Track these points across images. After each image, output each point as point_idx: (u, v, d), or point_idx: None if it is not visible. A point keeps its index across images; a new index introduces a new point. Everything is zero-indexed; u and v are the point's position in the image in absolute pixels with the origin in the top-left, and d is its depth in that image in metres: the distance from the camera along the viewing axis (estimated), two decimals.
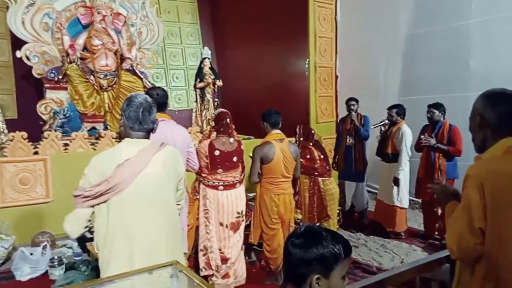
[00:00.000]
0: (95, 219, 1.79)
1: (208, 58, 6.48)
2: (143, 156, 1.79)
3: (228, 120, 3.16)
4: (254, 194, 3.87)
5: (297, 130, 3.90)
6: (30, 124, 5.13)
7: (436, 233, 4.48)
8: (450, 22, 5.16)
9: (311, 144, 3.82)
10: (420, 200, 5.02)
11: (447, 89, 5.07)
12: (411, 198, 5.57)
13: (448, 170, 4.26)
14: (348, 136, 4.92)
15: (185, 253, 2.38)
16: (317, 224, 3.67)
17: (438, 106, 4.31)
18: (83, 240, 3.53)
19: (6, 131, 4.82)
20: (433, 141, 4.25)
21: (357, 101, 4.90)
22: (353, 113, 4.85)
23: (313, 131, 3.93)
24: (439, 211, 4.32)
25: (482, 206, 1.40)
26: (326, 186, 3.78)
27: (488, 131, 1.50)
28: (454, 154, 4.21)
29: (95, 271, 3.06)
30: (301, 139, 3.84)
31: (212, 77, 6.40)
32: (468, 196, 1.43)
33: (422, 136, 4.38)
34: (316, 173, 3.76)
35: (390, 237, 4.56)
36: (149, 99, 1.87)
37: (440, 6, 5.26)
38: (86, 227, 1.81)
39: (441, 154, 4.26)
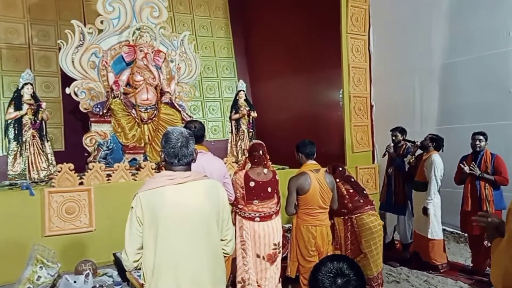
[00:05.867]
0: (143, 251, 1.82)
1: (243, 91, 6.66)
2: (185, 187, 1.84)
3: (262, 151, 3.20)
4: (290, 225, 3.84)
5: (327, 169, 3.74)
6: (76, 156, 5.43)
7: (488, 269, 4.22)
8: (487, 50, 5.06)
9: (337, 180, 3.59)
10: (466, 234, 4.77)
11: (487, 117, 4.92)
12: (455, 231, 5.33)
13: (496, 201, 4.08)
14: (389, 167, 4.84)
15: None
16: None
17: (483, 133, 4.19)
18: (123, 270, 3.62)
19: (54, 162, 5.12)
20: (478, 170, 4.11)
21: (402, 131, 4.83)
22: (391, 144, 4.80)
23: (340, 168, 3.75)
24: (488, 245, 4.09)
25: None
26: (361, 221, 3.53)
27: None
28: (501, 183, 4.06)
29: None
30: None
31: (247, 108, 6.55)
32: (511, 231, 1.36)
33: (461, 165, 4.23)
34: (346, 211, 3.56)
35: (428, 269, 4.36)
36: (186, 133, 1.91)
37: (475, 34, 5.19)
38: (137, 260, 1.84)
39: (487, 184, 4.10)
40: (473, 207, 4.15)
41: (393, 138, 4.83)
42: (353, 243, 3.58)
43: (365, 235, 3.51)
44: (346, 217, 3.57)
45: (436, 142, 4.47)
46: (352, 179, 3.74)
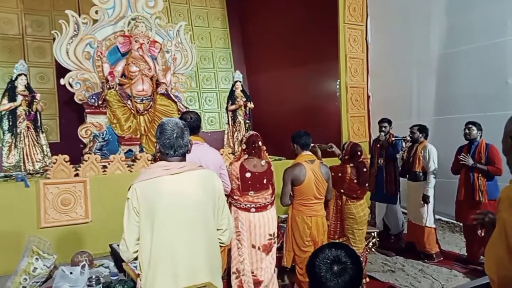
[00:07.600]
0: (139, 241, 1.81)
1: (240, 82, 6.63)
2: (181, 178, 1.84)
3: (259, 143, 3.19)
4: (286, 215, 3.85)
5: (345, 146, 3.80)
6: (71, 147, 5.40)
7: (482, 257, 4.27)
8: (485, 40, 5.03)
9: (351, 165, 3.68)
10: (461, 224, 4.81)
11: (484, 108, 4.90)
12: (451, 221, 5.38)
13: (489, 191, 4.08)
14: (379, 157, 4.86)
15: None
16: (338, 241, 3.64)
17: (476, 123, 4.20)
18: (119, 261, 3.62)
19: (49, 154, 5.10)
20: (470, 160, 4.13)
21: (389, 122, 4.85)
22: (382, 134, 4.80)
23: (359, 153, 3.70)
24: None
25: None
26: (349, 210, 3.65)
27: None
28: (494, 174, 4.06)
29: None
30: (346, 157, 3.74)
31: (244, 99, 6.53)
32: (503, 220, 1.36)
33: (459, 157, 4.25)
34: (342, 190, 3.69)
35: (423, 258, 4.43)
36: (180, 124, 1.90)
37: (473, 24, 5.15)
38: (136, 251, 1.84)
39: (480, 174, 4.11)
40: (466, 197, 4.19)
41: (383, 129, 4.83)
42: (339, 224, 3.77)
43: (348, 222, 3.68)
44: (338, 194, 3.72)
45: (425, 131, 4.58)
46: (365, 169, 3.71)
